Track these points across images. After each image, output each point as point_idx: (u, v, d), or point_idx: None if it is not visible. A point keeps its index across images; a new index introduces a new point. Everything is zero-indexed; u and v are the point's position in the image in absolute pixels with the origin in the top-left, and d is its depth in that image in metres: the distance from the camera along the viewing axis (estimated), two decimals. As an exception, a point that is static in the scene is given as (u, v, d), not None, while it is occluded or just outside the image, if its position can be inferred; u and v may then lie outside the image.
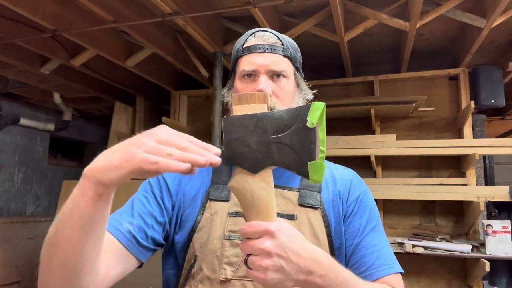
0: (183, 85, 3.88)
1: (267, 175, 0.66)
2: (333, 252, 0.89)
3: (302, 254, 0.64)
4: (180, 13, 2.30)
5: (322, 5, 2.54)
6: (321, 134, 0.64)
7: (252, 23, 2.51)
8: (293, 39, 1.06)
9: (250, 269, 0.64)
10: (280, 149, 0.65)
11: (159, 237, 0.89)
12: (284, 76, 0.91)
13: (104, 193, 0.61)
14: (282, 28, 2.72)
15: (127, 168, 0.58)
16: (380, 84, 3.36)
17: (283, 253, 0.63)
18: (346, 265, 0.89)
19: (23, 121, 4.31)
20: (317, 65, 3.59)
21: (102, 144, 5.20)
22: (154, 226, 0.88)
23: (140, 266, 0.87)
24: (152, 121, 4.15)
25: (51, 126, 4.66)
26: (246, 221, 0.67)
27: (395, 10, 2.55)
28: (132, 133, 4.12)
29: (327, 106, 3.14)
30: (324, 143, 0.64)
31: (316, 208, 0.90)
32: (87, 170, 0.62)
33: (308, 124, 0.63)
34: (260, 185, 0.66)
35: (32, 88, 3.98)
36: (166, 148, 0.58)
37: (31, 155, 4.64)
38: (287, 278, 0.63)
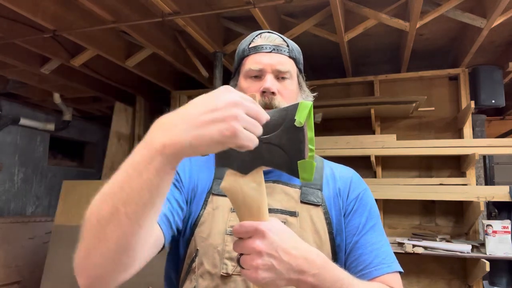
0: (183, 85, 3.88)
1: (258, 175, 0.66)
2: (334, 249, 0.89)
3: (293, 253, 0.64)
4: (180, 13, 2.30)
5: (322, 5, 2.54)
6: (310, 132, 0.64)
7: (252, 23, 2.51)
8: (293, 39, 1.07)
9: (243, 268, 0.64)
10: (269, 149, 0.65)
11: (180, 224, 0.87)
12: (289, 77, 0.93)
13: (176, 165, 0.57)
14: (282, 28, 2.72)
15: (228, 144, 0.54)
16: (380, 84, 3.36)
17: (274, 252, 0.63)
18: (345, 263, 0.89)
19: (23, 121, 4.31)
20: (317, 65, 3.59)
21: (102, 144, 5.19)
22: (179, 212, 0.87)
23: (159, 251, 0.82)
24: (152, 121, 4.14)
25: (51, 126, 4.65)
26: (239, 221, 0.67)
27: (395, 10, 2.55)
28: (132, 133, 4.13)
29: (327, 106, 3.10)
30: (313, 142, 0.65)
31: (317, 205, 0.90)
32: (159, 144, 0.55)
33: (296, 124, 0.63)
34: (251, 185, 0.66)
35: (32, 88, 3.98)
36: (256, 124, 0.56)
37: (31, 155, 4.64)
38: (278, 277, 0.63)
